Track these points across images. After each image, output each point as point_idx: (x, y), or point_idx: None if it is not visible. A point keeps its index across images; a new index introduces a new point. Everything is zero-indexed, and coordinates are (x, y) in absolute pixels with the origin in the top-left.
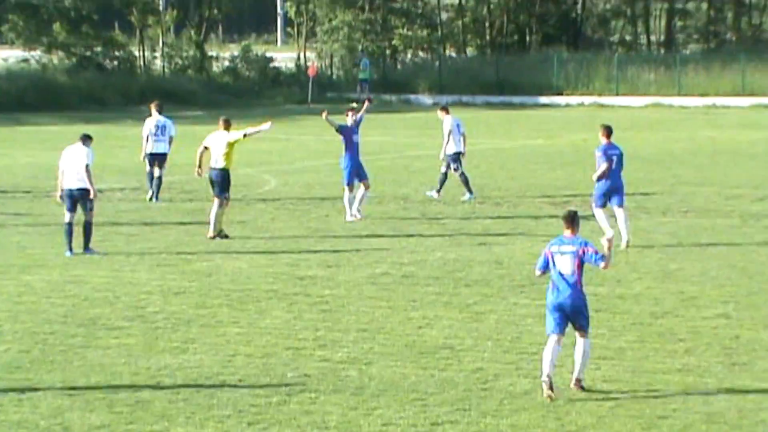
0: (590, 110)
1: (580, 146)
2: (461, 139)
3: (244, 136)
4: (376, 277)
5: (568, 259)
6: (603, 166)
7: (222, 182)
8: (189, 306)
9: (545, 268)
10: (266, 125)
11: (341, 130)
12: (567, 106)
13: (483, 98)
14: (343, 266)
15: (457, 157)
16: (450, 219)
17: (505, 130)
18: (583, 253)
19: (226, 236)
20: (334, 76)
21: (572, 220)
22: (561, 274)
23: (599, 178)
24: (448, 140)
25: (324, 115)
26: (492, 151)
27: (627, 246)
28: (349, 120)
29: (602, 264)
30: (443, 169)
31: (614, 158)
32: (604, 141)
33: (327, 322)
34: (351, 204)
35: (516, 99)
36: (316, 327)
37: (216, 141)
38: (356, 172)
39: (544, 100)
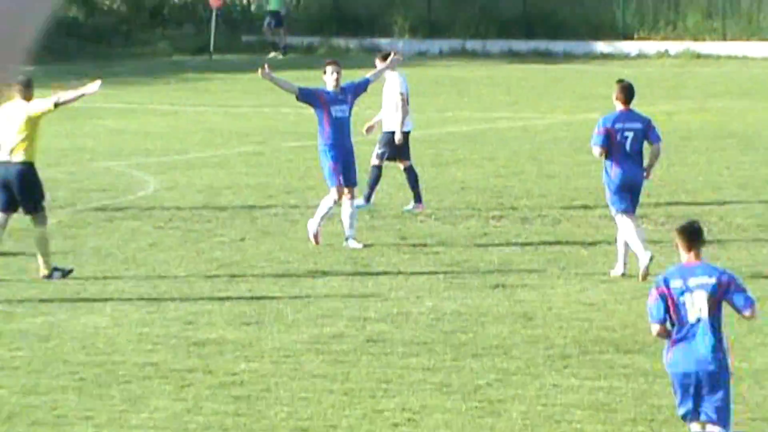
0: (679, 64)
1: (664, 123)
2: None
3: (55, 105)
4: (323, 342)
5: (702, 296)
6: (596, 149)
7: (28, 186)
8: (11, 391)
9: (665, 318)
10: (93, 86)
11: (308, 96)
12: (640, 57)
13: (500, 44)
14: (268, 324)
15: (391, 139)
16: (446, 246)
17: (537, 98)
18: (728, 286)
19: (70, 271)
20: (253, 8)
21: (696, 235)
22: (690, 322)
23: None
24: (401, 111)
25: (263, 71)
26: (515, 132)
27: (623, 276)
28: (329, 82)
29: (749, 312)
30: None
31: (627, 136)
32: (618, 107)
33: (242, 417)
34: (322, 217)
35: (555, 46)
36: (223, 426)
37: (8, 119)
38: (341, 169)
39: (601, 47)
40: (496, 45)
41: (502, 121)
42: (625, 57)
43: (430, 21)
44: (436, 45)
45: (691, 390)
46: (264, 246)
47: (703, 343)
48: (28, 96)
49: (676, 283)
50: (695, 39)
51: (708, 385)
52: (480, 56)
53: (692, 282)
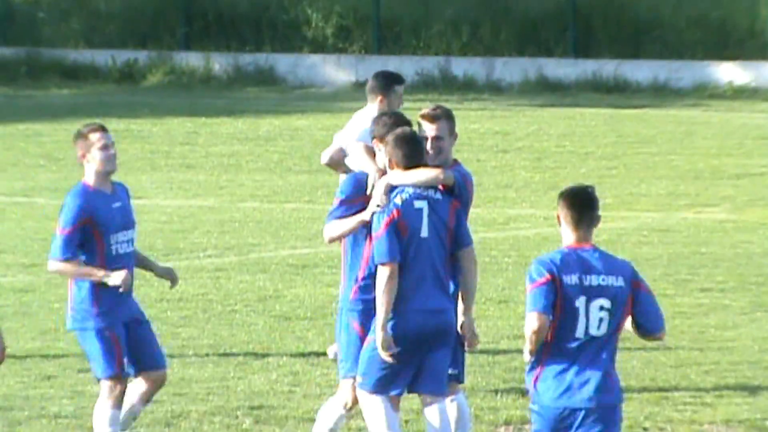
0: None
1: None
2: None
3: None
4: None
5: (603, 304)
6: None
7: None
8: None
9: (551, 309)
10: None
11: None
12: None
13: (519, 66)
14: None
15: None
16: None
17: (607, 181)
18: (637, 291)
19: None
20: None
21: (590, 205)
22: (580, 338)
23: None
24: None
25: None
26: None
27: None
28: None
29: (661, 333)
30: None
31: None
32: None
33: None
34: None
35: (632, 69)
36: None
37: None
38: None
39: (731, 73)
40: (513, 68)
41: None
42: None
43: (378, 23)
44: (389, 67)
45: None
46: None
47: (593, 369)
48: None
49: (570, 279)
50: None
51: (598, 427)
52: (480, 87)
53: (590, 281)
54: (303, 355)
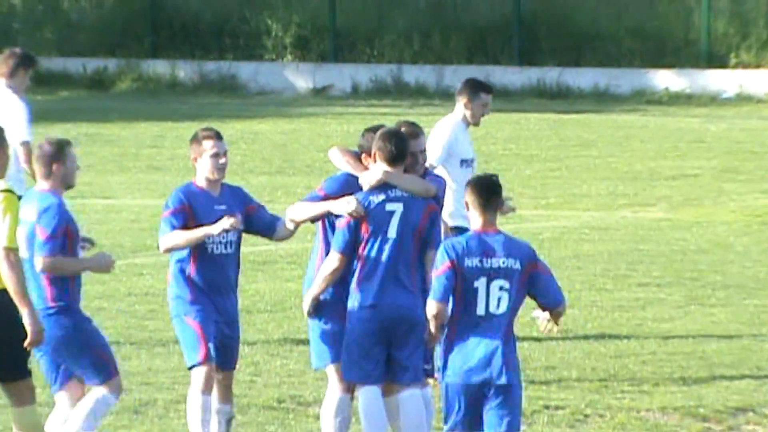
0: None
1: None
2: None
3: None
4: None
5: (501, 284)
6: None
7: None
8: None
9: (448, 297)
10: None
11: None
12: (742, 99)
13: (465, 73)
14: None
15: None
16: None
17: (541, 182)
18: (534, 270)
19: None
20: None
21: (494, 191)
22: (480, 315)
23: None
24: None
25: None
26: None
27: None
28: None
29: (561, 308)
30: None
31: None
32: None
33: None
34: None
35: (574, 76)
36: None
37: None
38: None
39: (666, 80)
40: (462, 75)
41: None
42: (713, 100)
43: (335, 32)
44: (345, 74)
45: (472, 405)
46: None
47: (492, 346)
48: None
49: (471, 261)
50: None
51: (495, 400)
52: (431, 94)
53: (491, 263)
54: (264, 345)
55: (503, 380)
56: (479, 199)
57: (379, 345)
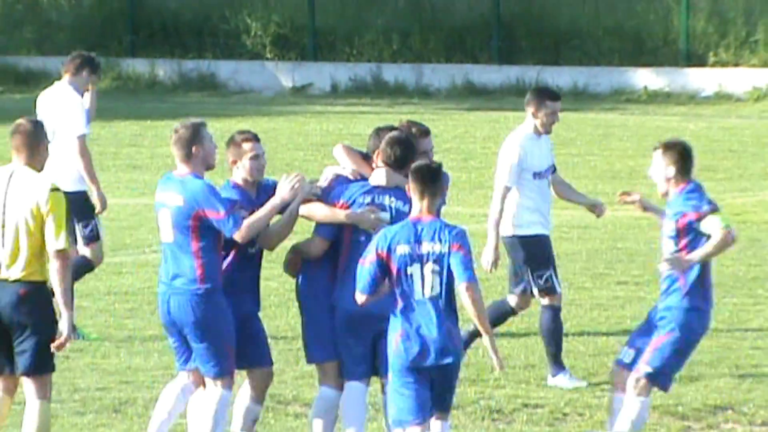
0: None
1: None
2: None
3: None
4: None
5: (433, 268)
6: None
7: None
8: None
9: (374, 287)
10: None
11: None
12: (721, 97)
13: (446, 72)
14: None
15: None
16: None
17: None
18: (455, 252)
19: None
20: None
21: (433, 178)
22: (417, 299)
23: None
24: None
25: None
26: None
27: None
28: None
29: (465, 284)
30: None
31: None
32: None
33: None
34: None
35: (555, 75)
36: None
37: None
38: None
39: (645, 79)
40: (441, 74)
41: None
42: (692, 98)
43: (314, 31)
44: (324, 72)
45: (420, 386)
46: None
47: (434, 325)
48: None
49: (402, 249)
50: None
51: (438, 377)
52: (410, 92)
53: (423, 248)
54: None
55: (446, 360)
56: (419, 186)
57: (362, 336)
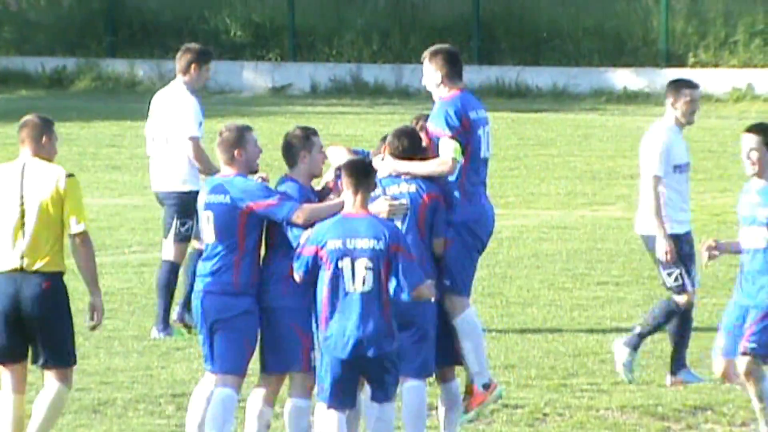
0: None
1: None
2: None
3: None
4: None
5: (365, 264)
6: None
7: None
8: None
9: (307, 275)
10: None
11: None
12: (700, 97)
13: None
14: None
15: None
16: None
17: (497, 181)
18: (396, 252)
19: None
20: None
21: (365, 173)
22: (349, 292)
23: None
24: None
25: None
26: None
27: None
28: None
29: (414, 292)
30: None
31: None
32: None
33: None
34: None
35: (534, 76)
36: None
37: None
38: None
39: (625, 79)
40: (421, 74)
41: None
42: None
43: (293, 31)
44: (304, 73)
45: (347, 378)
46: None
47: (360, 320)
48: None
49: (333, 244)
50: None
51: (372, 372)
52: (390, 93)
53: (355, 243)
54: None
55: (369, 353)
56: (353, 181)
57: None
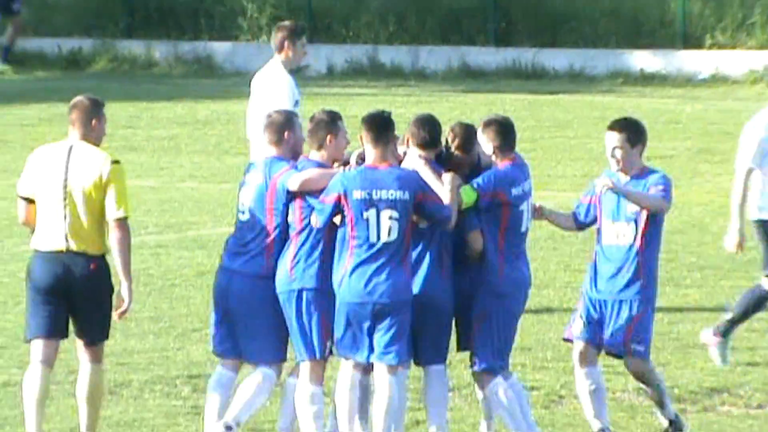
0: None
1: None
2: None
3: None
4: None
5: (391, 215)
6: None
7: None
8: None
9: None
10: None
11: None
12: (717, 80)
13: (445, 54)
14: None
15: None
16: None
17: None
18: (423, 200)
19: None
20: None
21: (386, 126)
22: (372, 242)
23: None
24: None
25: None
26: None
27: None
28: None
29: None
30: None
31: None
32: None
33: None
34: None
35: (551, 57)
36: None
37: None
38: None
39: (642, 60)
40: (437, 56)
41: None
42: (689, 80)
43: (310, 13)
44: (321, 54)
45: (365, 324)
46: None
47: (385, 269)
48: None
49: (359, 194)
50: None
51: (383, 319)
52: (407, 75)
53: (380, 195)
54: None
55: (390, 299)
56: (371, 134)
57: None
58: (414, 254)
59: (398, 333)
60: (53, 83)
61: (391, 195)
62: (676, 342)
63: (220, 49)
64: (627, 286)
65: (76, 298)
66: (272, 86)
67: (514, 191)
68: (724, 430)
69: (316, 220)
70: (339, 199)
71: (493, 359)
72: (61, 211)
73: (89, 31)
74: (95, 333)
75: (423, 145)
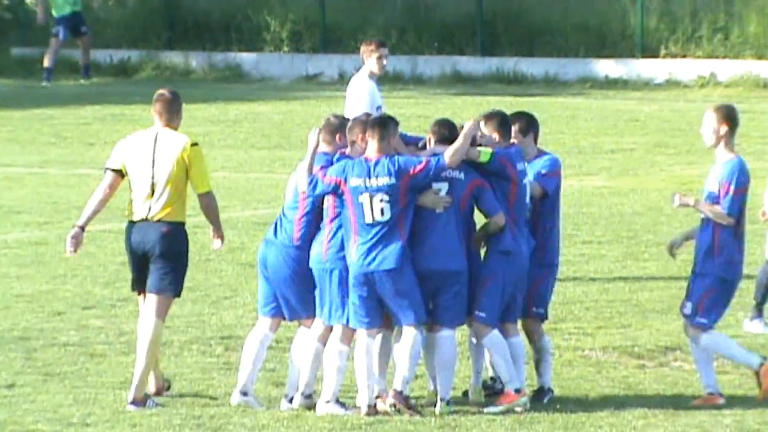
0: (736, 95)
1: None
2: None
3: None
4: None
5: (382, 198)
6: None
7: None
8: None
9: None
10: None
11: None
12: (671, 84)
13: (439, 63)
14: None
15: None
16: None
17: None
18: (409, 181)
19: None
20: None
21: (389, 126)
22: (368, 223)
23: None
24: None
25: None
26: None
27: None
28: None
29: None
30: None
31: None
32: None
33: None
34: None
35: (528, 65)
36: None
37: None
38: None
39: (605, 68)
40: (432, 64)
41: None
42: (646, 85)
43: (324, 27)
44: (333, 63)
45: (368, 291)
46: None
47: (382, 243)
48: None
49: (355, 182)
50: (760, 56)
51: (387, 290)
52: (406, 80)
53: (372, 182)
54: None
55: (387, 266)
56: (371, 131)
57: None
58: (441, 230)
59: (405, 300)
60: (105, 88)
61: (381, 182)
62: (636, 308)
63: (247, 58)
64: None
65: (151, 256)
66: (355, 92)
67: (519, 166)
68: (676, 382)
69: (306, 190)
70: (338, 183)
71: (494, 313)
72: (150, 187)
73: (136, 43)
74: (164, 285)
75: (441, 140)
